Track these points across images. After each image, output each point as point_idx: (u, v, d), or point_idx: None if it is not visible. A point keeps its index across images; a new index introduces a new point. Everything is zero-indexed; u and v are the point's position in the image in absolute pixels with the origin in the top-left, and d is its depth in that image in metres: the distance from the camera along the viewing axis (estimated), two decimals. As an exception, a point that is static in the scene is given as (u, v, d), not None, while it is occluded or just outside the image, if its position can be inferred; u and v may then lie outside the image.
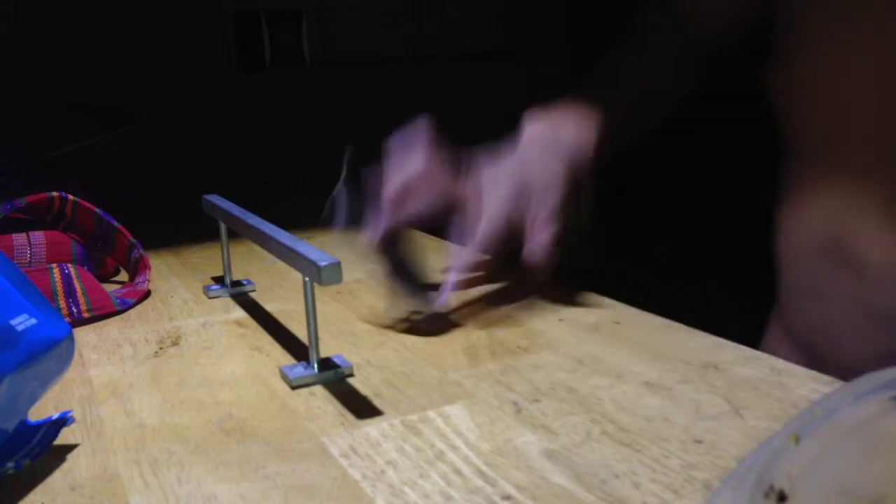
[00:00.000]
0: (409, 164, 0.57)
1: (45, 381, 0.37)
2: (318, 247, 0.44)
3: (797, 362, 0.45)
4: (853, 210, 0.60)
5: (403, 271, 0.55)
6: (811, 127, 0.63)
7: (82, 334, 0.56)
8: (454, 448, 0.37)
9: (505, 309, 0.56)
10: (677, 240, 1.64)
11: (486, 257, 0.56)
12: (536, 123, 0.64)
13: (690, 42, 0.76)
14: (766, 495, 0.24)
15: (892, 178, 0.57)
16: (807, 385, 0.42)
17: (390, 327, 0.54)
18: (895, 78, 0.56)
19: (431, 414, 0.41)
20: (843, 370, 0.43)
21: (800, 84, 0.63)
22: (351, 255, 0.75)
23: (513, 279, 0.64)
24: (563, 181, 0.58)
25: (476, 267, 0.63)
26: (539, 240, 0.55)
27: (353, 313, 0.58)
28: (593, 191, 0.62)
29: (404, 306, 0.55)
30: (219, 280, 0.67)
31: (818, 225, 0.63)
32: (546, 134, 0.63)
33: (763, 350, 0.47)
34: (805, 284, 0.65)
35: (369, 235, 0.55)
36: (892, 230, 0.57)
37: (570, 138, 0.63)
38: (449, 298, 0.56)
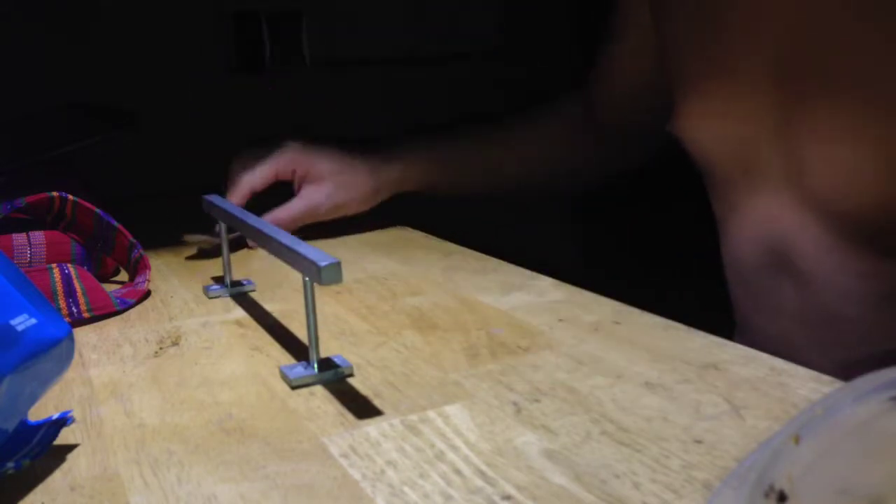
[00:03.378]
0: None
1: (45, 381, 0.37)
2: (317, 247, 0.44)
3: None
4: (787, 223, 0.60)
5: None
6: (719, 156, 0.65)
7: (82, 334, 0.56)
8: (454, 448, 0.37)
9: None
10: (677, 239, 1.64)
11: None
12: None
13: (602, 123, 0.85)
14: (766, 495, 0.24)
15: (807, 185, 0.57)
16: (807, 385, 0.42)
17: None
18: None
19: (431, 414, 0.41)
20: None
21: (694, 126, 0.66)
22: (351, 255, 0.75)
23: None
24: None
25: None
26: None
27: (353, 313, 0.58)
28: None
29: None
30: (219, 280, 0.67)
31: (757, 242, 0.63)
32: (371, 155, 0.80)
33: None
34: (756, 300, 0.66)
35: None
36: (828, 235, 0.57)
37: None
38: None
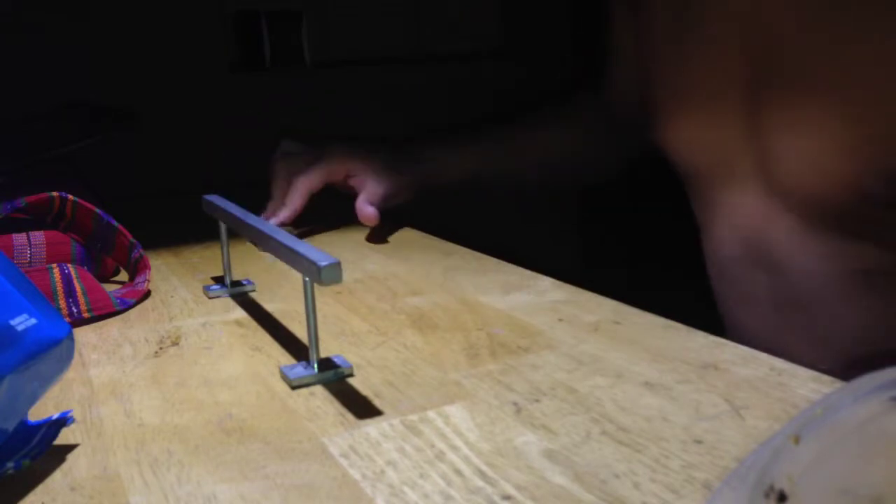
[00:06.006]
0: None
1: (45, 381, 0.37)
2: (318, 247, 0.44)
3: None
4: (759, 215, 0.64)
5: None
6: (696, 160, 0.70)
7: (82, 334, 0.56)
8: (454, 448, 0.37)
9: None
10: (678, 239, 1.64)
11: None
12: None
13: (617, 124, 0.89)
14: (766, 495, 0.24)
15: (776, 177, 0.62)
16: (807, 385, 0.42)
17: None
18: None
19: (431, 414, 0.41)
20: None
21: (673, 133, 0.71)
22: (351, 255, 0.75)
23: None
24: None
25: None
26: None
27: (353, 313, 0.58)
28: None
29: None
30: (219, 280, 0.67)
31: (734, 237, 0.68)
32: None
33: None
34: (735, 293, 0.70)
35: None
36: (797, 222, 0.62)
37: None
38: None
